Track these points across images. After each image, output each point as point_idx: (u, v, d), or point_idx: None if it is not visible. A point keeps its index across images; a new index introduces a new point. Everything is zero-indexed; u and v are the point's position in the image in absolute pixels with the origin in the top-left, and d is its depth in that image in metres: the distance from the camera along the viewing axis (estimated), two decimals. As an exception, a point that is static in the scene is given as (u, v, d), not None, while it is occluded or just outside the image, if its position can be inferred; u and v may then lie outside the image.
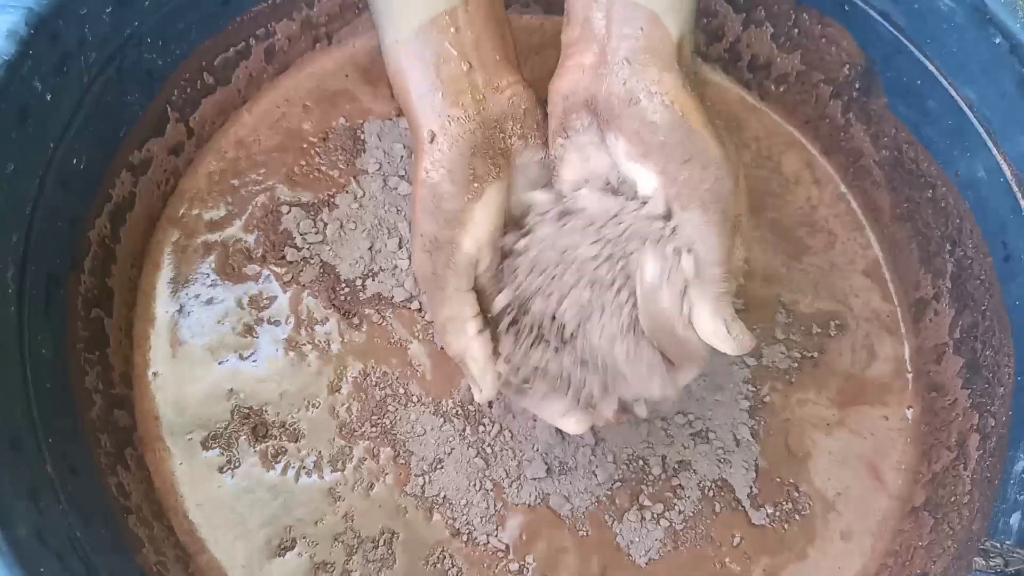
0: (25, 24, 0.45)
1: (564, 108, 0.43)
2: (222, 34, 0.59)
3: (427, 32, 0.42)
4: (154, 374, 0.55)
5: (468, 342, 0.43)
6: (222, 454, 0.53)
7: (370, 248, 0.58)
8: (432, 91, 0.42)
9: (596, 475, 0.54)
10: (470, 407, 0.55)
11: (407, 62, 0.43)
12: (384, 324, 0.57)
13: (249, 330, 0.56)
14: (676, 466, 0.55)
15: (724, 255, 0.40)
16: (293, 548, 0.52)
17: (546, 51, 0.66)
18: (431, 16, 0.42)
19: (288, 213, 0.59)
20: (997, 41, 0.51)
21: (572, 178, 0.44)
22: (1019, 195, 0.51)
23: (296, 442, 0.54)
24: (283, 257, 0.58)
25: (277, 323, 0.57)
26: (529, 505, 0.53)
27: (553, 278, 0.41)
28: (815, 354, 0.59)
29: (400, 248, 0.58)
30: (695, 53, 0.42)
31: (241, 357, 0.56)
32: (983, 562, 0.46)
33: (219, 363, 0.55)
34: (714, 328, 0.40)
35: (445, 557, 0.52)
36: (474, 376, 0.44)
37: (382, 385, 0.55)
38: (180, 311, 0.56)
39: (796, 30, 0.62)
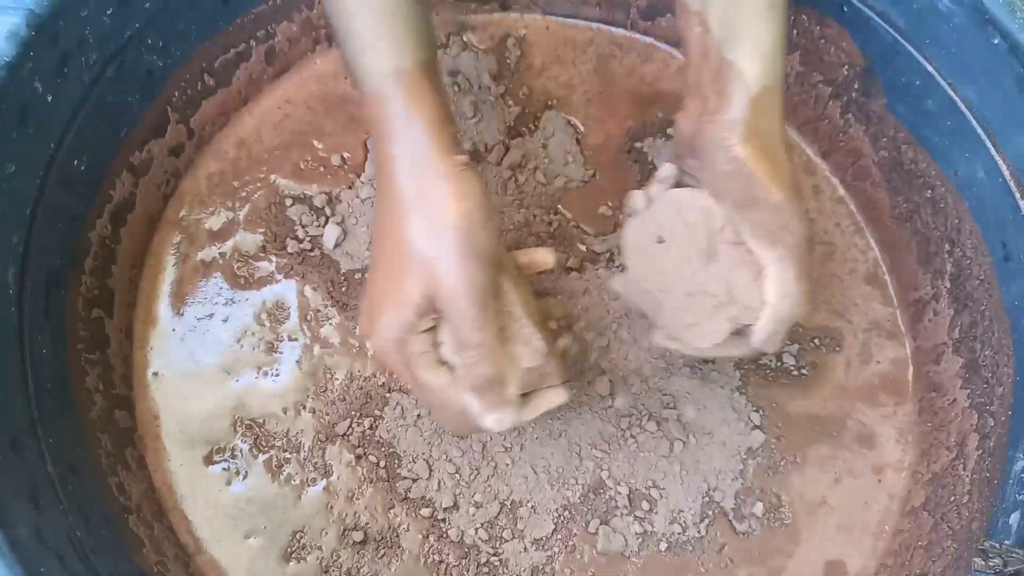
0: (26, 25, 0.45)
1: (680, 140, 0.49)
2: (222, 35, 0.59)
3: (426, 70, 0.43)
4: (155, 375, 0.55)
5: (504, 360, 0.43)
6: (227, 468, 0.54)
7: (371, 243, 0.59)
8: (450, 122, 0.43)
9: (580, 476, 0.54)
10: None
11: (420, 87, 0.43)
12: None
13: (271, 347, 0.56)
14: (663, 471, 0.55)
15: (791, 288, 0.45)
16: (299, 552, 0.52)
17: (542, 50, 0.66)
18: (426, 57, 0.43)
19: (291, 206, 0.59)
20: (996, 41, 0.51)
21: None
22: (1018, 195, 0.51)
23: (298, 452, 0.54)
24: (284, 248, 0.58)
25: (284, 326, 0.57)
26: (518, 502, 0.53)
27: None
28: (813, 365, 0.59)
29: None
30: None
31: (240, 366, 0.56)
32: (982, 562, 0.46)
33: (222, 375, 0.56)
34: (765, 332, 0.46)
35: (442, 552, 0.52)
36: (507, 398, 0.43)
37: (379, 382, 0.55)
38: (186, 323, 0.57)
39: (795, 31, 0.62)
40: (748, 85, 0.45)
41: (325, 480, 0.53)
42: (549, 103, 0.65)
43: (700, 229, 0.47)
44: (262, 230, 0.59)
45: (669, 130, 0.64)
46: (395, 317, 0.42)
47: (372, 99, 0.43)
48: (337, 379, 0.56)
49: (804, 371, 0.59)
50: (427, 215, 0.41)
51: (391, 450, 0.54)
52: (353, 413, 0.55)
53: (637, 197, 0.50)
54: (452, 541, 0.52)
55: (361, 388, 0.55)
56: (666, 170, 0.50)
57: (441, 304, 0.41)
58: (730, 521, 0.54)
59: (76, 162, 0.51)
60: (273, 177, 0.61)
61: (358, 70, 0.43)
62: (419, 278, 0.41)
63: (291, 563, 0.52)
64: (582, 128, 0.64)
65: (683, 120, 0.48)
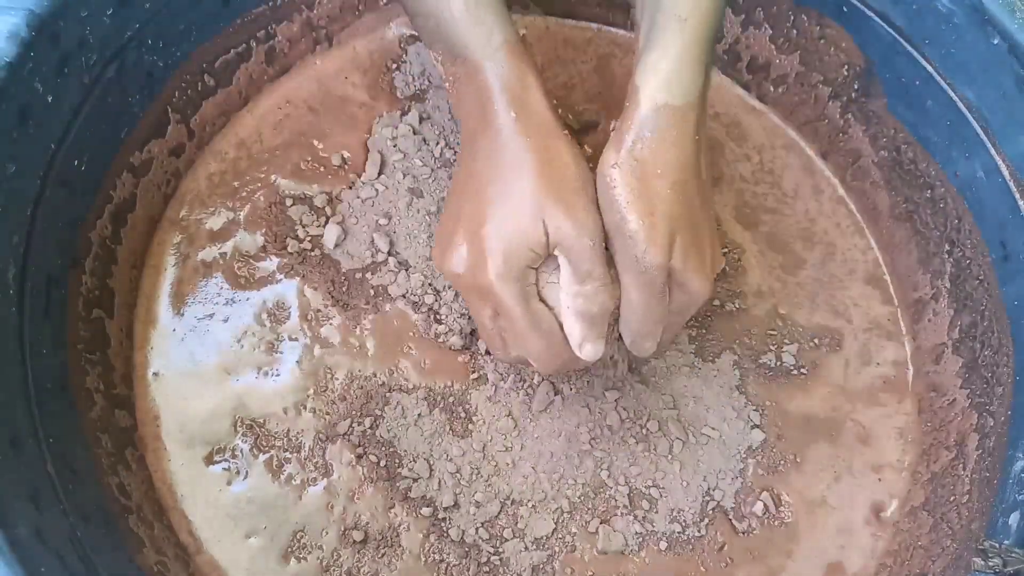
0: (26, 26, 0.45)
1: None
2: (222, 36, 0.59)
3: (522, 44, 0.49)
4: (155, 375, 0.55)
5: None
6: (227, 468, 0.53)
7: (371, 242, 0.59)
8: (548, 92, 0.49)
9: (580, 476, 0.54)
10: (466, 406, 0.55)
11: (526, 57, 0.48)
12: (383, 318, 0.57)
13: (271, 347, 0.56)
14: (663, 470, 0.55)
15: (627, 317, 0.47)
16: (299, 551, 0.52)
17: (542, 50, 0.66)
18: (517, 33, 0.48)
19: (292, 206, 0.59)
20: (995, 41, 0.51)
21: None
22: (1017, 195, 0.51)
23: (298, 452, 0.54)
24: (284, 248, 0.58)
25: (284, 326, 0.57)
26: (518, 501, 0.53)
27: None
28: (813, 364, 0.59)
29: (400, 242, 0.59)
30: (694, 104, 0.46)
31: (240, 366, 0.56)
32: (982, 562, 0.46)
33: (222, 375, 0.56)
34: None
35: (443, 551, 0.52)
36: (605, 332, 0.46)
37: (379, 382, 0.55)
38: (186, 323, 0.57)
39: (795, 31, 0.62)
40: (638, 101, 0.44)
41: (326, 480, 0.53)
42: (556, 100, 0.65)
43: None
44: (263, 230, 0.59)
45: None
46: (520, 255, 0.45)
47: (483, 67, 0.47)
48: (337, 379, 0.56)
49: (804, 371, 0.59)
50: (552, 171, 0.45)
51: (391, 449, 0.54)
52: (354, 413, 0.55)
53: None
54: (453, 540, 0.52)
55: (361, 388, 0.55)
56: None
57: (566, 244, 0.45)
58: (730, 520, 0.54)
59: (76, 162, 0.51)
60: (273, 177, 0.61)
61: (464, 45, 0.47)
62: (546, 222, 0.45)
63: (291, 563, 0.52)
64: (582, 128, 0.64)
65: None
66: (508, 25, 0.48)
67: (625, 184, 0.44)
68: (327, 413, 0.55)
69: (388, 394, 0.55)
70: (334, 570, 0.51)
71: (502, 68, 0.47)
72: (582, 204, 0.45)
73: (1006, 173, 0.52)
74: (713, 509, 0.54)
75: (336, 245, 0.59)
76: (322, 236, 0.59)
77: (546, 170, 0.45)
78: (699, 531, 0.54)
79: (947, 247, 0.57)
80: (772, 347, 0.59)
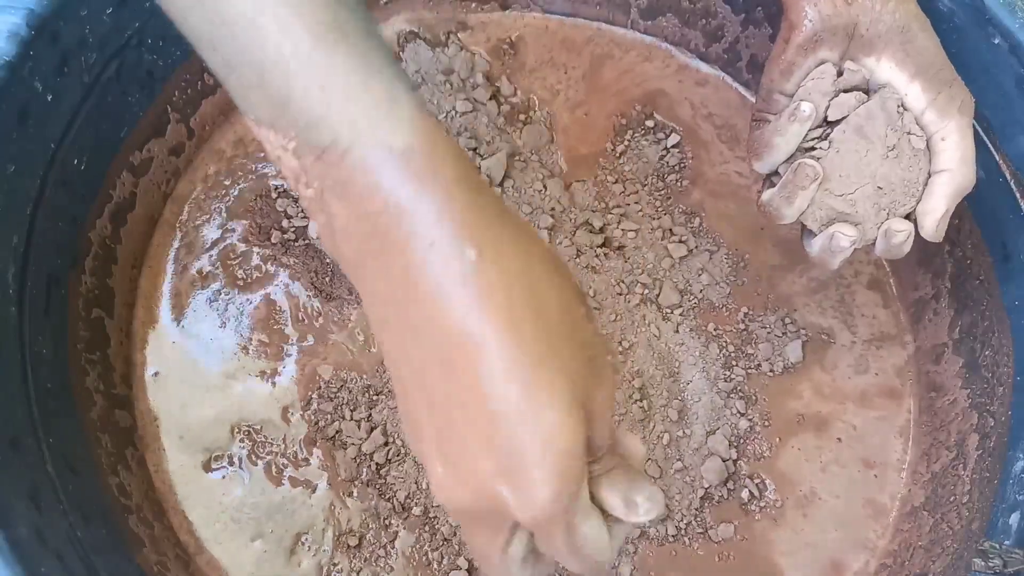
0: (26, 25, 0.45)
1: (822, 28, 0.46)
2: (222, 35, 0.59)
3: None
4: (154, 374, 0.55)
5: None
6: (225, 471, 0.54)
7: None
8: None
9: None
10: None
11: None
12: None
13: (267, 348, 0.56)
14: (655, 463, 0.55)
15: (971, 156, 0.47)
16: (300, 555, 0.52)
17: (537, 50, 0.66)
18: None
19: (277, 199, 0.60)
20: (996, 41, 0.51)
21: (796, 84, 0.48)
22: (1018, 195, 0.51)
23: (294, 456, 0.54)
24: (268, 239, 0.58)
25: (280, 327, 0.57)
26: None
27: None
28: (811, 362, 0.59)
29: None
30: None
31: (238, 368, 0.56)
32: (982, 563, 0.46)
33: (220, 377, 0.56)
34: (940, 210, 0.47)
35: (434, 549, 0.52)
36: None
37: (366, 383, 0.55)
38: (185, 323, 0.57)
39: (795, 31, 0.62)
40: None
41: (320, 482, 0.53)
42: (539, 103, 0.65)
43: (880, 125, 0.47)
44: (246, 222, 0.59)
45: (648, 122, 0.64)
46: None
47: (384, 164, 0.29)
48: (330, 382, 0.55)
49: (801, 368, 0.59)
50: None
51: (381, 450, 0.54)
52: (345, 415, 0.55)
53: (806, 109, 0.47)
54: (445, 538, 0.52)
55: (348, 389, 0.55)
56: (806, 109, 0.47)
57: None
58: (724, 514, 0.54)
59: (76, 162, 0.51)
60: (265, 171, 0.61)
61: (339, 125, 0.29)
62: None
63: (291, 565, 0.52)
64: (571, 127, 0.64)
65: (830, 4, 0.46)
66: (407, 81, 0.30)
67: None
68: (320, 416, 0.55)
69: (375, 396, 0.55)
70: (335, 574, 0.51)
71: (420, 160, 0.28)
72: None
73: (1007, 173, 0.52)
74: (703, 499, 0.54)
75: (319, 236, 0.58)
76: (306, 227, 0.59)
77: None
78: (694, 525, 0.54)
79: (947, 247, 0.57)
80: (763, 339, 0.59)
